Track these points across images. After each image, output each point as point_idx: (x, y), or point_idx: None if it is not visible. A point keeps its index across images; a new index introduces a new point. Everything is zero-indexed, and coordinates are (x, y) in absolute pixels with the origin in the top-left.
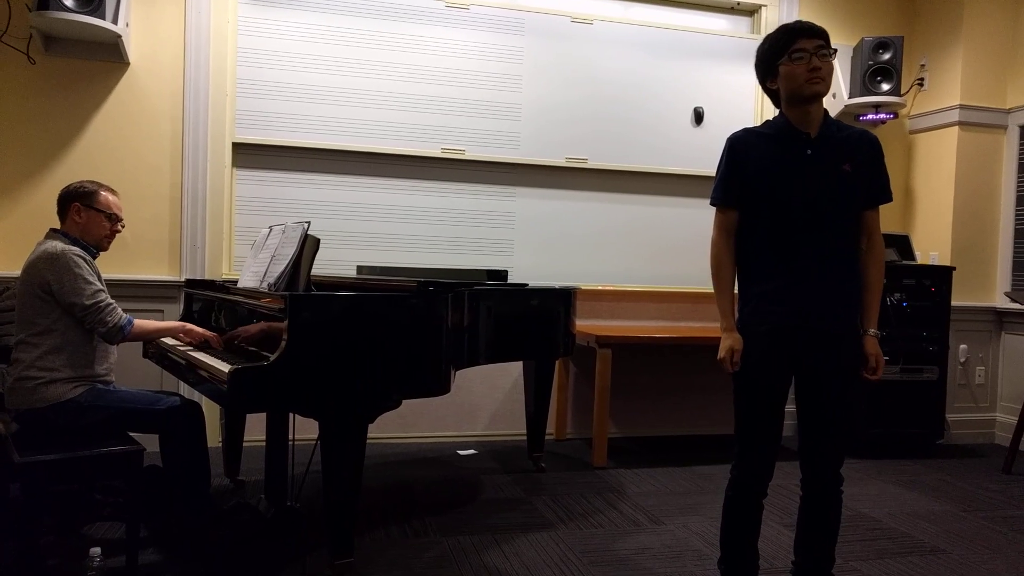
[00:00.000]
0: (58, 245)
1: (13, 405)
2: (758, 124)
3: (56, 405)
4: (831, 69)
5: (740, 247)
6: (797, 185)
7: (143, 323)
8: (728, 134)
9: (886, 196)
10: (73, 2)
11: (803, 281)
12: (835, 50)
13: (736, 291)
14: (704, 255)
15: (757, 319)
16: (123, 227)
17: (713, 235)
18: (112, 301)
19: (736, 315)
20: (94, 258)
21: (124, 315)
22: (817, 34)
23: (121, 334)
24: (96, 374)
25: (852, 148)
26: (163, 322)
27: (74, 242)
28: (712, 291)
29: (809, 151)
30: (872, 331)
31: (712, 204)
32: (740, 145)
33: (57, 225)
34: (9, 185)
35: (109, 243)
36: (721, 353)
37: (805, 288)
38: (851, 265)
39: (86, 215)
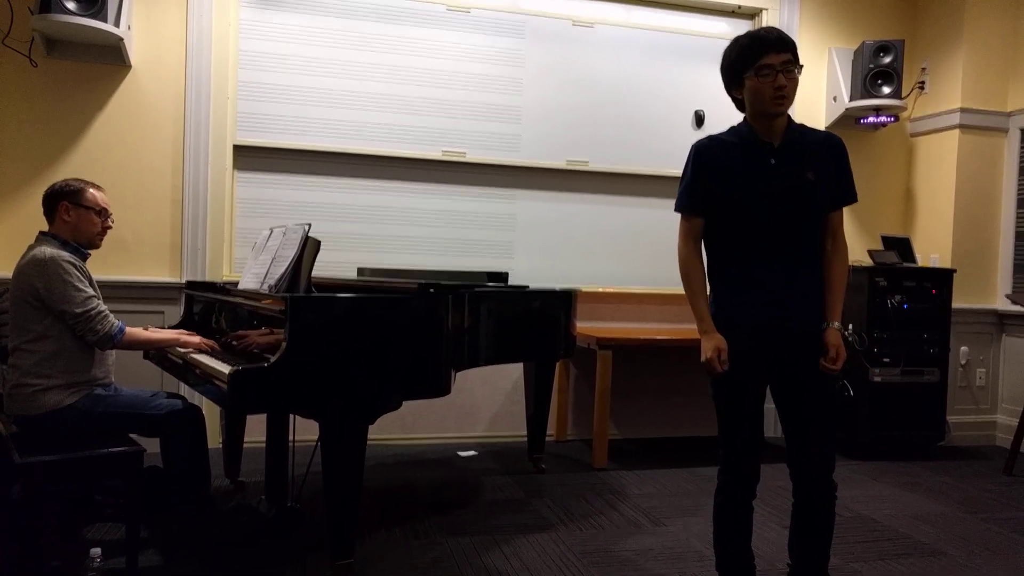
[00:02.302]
0: (46, 251)
1: (11, 411)
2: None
3: (54, 412)
4: (796, 85)
5: (709, 254)
6: (761, 194)
7: (135, 332)
8: None
9: (851, 198)
10: (75, 5)
11: (774, 288)
12: (801, 66)
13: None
14: None
15: (730, 325)
16: (113, 223)
17: (679, 243)
18: (104, 308)
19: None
20: (85, 259)
21: (116, 323)
22: (786, 47)
23: (112, 342)
24: (94, 379)
25: (816, 154)
26: (157, 332)
27: (64, 244)
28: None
29: (772, 160)
30: (835, 324)
31: (677, 211)
32: (705, 153)
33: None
34: (11, 187)
35: (101, 240)
36: (707, 354)
37: (776, 295)
38: (818, 266)
39: (75, 214)
